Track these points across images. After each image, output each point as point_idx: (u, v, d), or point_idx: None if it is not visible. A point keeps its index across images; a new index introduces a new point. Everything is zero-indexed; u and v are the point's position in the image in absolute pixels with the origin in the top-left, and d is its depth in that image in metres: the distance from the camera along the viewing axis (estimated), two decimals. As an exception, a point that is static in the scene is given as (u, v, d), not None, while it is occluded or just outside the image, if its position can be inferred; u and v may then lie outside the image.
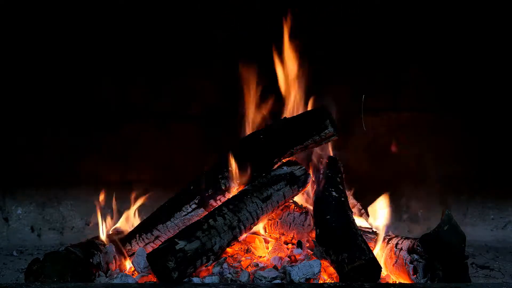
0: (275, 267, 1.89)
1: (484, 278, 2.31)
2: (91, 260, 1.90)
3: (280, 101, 2.37)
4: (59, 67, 2.89)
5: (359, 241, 1.80)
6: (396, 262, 1.89)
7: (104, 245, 2.03)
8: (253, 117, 2.34)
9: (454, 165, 2.98)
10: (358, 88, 2.93)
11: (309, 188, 2.21)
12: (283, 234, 2.18)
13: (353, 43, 2.89)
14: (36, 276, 1.76)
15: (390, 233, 2.10)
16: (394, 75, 2.96)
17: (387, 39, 2.89)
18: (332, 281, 1.85)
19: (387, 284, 1.83)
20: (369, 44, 2.89)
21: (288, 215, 2.16)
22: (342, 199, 2.08)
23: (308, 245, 2.09)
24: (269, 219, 2.17)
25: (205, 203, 2.10)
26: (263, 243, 2.13)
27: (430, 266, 1.75)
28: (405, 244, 1.89)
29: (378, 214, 2.20)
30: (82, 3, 2.82)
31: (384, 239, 2.01)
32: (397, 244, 1.93)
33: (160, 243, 1.95)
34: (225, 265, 1.89)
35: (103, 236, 2.10)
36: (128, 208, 2.30)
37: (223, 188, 2.11)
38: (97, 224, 2.17)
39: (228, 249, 1.99)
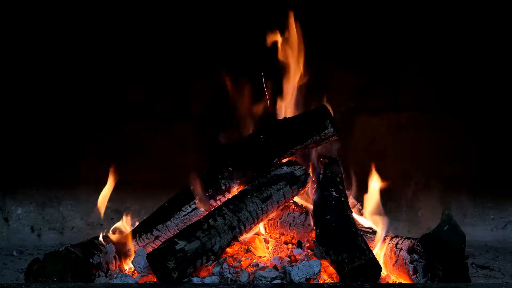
0: (275, 267, 1.89)
1: (484, 278, 2.31)
2: (91, 260, 1.90)
3: (279, 101, 2.37)
4: (59, 67, 2.89)
5: (359, 241, 1.80)
6: (396, 262, 1.89)
7: (104, 245, 2.03)
8: (253, 117, 2.34)
9: (454, 165, 2.98)
10: (358, 88, 2.94)
11: (309, 188, 2.21)
12: (283, 234, 2.18)
13: (353, 43, 2.89)
14: (36, 276, 1.76)
15: (390, 233, 2.10)
16: (394, 75, 2.96)
17: (387, 39, 2.89)
18: (332, 281, 1.85)
19: (387, 284, 1.83)
20: (369, 44, 2.89)
21: (288, 215, 2.16)
22: (342, 199, 2.08)
23: (308, 245, 2.09)
24: (269, 219, 2.17)
25: (205, 203, 2.10)
26: (263, 243, 2.13)
27: (430, 266, 1.75)
28: (405, 244, 1.89)
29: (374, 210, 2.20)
30: (83, 3, 2.82)
31: (384, 239, 2.01)
32: (397, 244, 1.93)
33: (160, 243, 1.95)
34: (225, 265, 1.89)
35: (101, 237, 2.10)
36: (128, 208, 2.29)
37: (223, 188, 2.11)
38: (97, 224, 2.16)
39: (228, 249, 1.99)
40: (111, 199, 2.28)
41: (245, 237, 2.06)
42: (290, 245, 2.13)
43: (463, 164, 2.97)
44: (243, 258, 2.01)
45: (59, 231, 2.98)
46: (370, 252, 1.77)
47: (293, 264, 1.91)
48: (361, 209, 2.36)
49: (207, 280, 1.79)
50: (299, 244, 2.09)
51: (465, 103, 2.94)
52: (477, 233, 2.96)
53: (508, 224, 3.00)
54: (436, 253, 1.75)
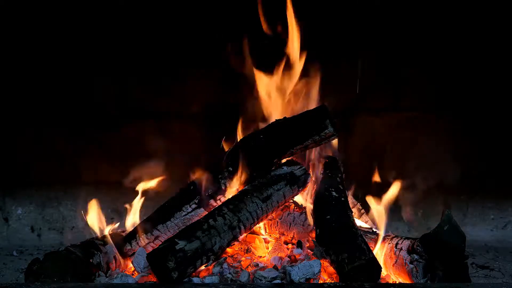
0: (275, 267, 1.89)
1: (484, 278, 2.31)
2: (91, 260, 1.90)
3: (279, 100, 2.37)
4: (59, 67, 2.90)
5: (359, 241, 1.80)
6: (396, 262, 1.89)
7: (104, 245, 2.03)
8: (252, 117, 2.34)
9: (454, 165, 2.97)
10: (358, 87, 2.94)
11: (309, 188, 2.20)
12: (283, 234, 2.18)
13: (353, 43, 2.89)
14: (36, 276, 1.76)
15: (390, 233, 2.10)
16: (394, 75, 2.96)
17: (387, 39, 2.89)
18: (332, 281, 1.85)
19: (387, 284, 1.83)
20: (369, 44, 2.89)
21: (288, 215, 2.16)
22: (342, 199, 2.07)
23: (308, 245, 2.09)
24: (269, 219, 2.17)
25: (205, 203, 2.10)
26: (263, 243, 2.13)
27: (430, 266, 1.75)
28: (405, 244, 1.89)
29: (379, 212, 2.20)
30: (83, 3, 2.82)
31: (384, 239, 2.01)
32: (397, 244, 1.93)
33: (160, 243, 1.94)
34: (225, 265, 1.89)
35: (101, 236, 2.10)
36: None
37: (223, 188, 2.11)
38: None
39: (228, 249, 1.99)
40: (111, 198, 2.28)
41: (244, 236, 2.06)
42: (290, 245, 2.13)
43: (463, 164, 2.97)
44: (243, 258, 2.01)
45: (59, 231, 2.98)
46: (370, 252, 1.77)
47: (293, 264, 1.91)
48: (361, 209, 2.36)
49: (207, 280, 1.79)
50: (299, 244, 2.09)
51: (465, 103, 2.94)
52: (477, 233, 2.96)
53: (508, 224, 3.00)
54: (436, 253, 1.75)
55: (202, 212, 2.08)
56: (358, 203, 2.36)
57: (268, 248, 2.12)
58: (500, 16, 2.85)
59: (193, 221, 1.98)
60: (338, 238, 1.85)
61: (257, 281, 1.79)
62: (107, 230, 2.15)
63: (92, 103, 2.94)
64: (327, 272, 1.90)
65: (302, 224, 2.13)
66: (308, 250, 2.05)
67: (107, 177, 2.94)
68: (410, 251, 1.84)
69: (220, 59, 2.83)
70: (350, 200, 2.28)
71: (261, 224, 2.15)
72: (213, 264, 1.87)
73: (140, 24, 2.86)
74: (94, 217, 2.14)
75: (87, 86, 2.92)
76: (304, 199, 2.27)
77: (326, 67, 2.54)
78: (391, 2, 2.83)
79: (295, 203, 2.21)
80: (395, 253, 1.91)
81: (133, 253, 2.04)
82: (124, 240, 2.10)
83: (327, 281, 1.85)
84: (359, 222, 2.20)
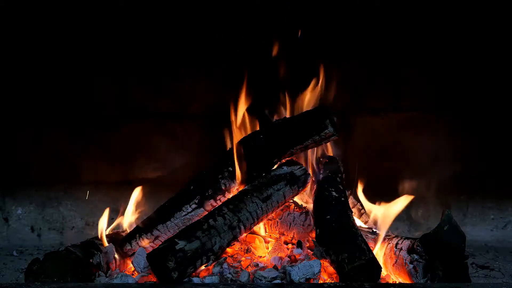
0: (275, 267, 1.89)
1: (484, 278, 2.31)
2: (91, 260, 1.90)
3: (279, 100, 2.37)
4: (59, 67, 2.89)
5: (359, 241, 1.80)
6: (396, 262, 1.89)
7: (104, 245, 2.03)
8: (252, 117, 2.34)
9: (454, 165, 2.97)
10: (358, 87, 2.94)
11: (309, 188, 2.21)
12: (283, 234, 2.18)
13: (353, 44, 2.89)
14: (36, 276, 1.76)
15: (390, 233, 2.10)
16: (394, 75, 2.96)
17: (388, 39, 2.89)
18: (332, 281, 1.85)
19: (387, 284, 1.83)
20: (369, 44, 2.89)
21: (288, 215, 2.16)
22: (342, 199, 2.08)
23: (308, 245, 2.09)
24: (269, 219, 2.17)
25: (205, 203, 2.10)
26: (263, 243, 2.13)
27: (430, 266, 1.75)
28: (405, 244, 1.89)
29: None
30: (84, 3, 2.82)
31: (384, 239, 2.01)
32: (397, 244, 1.93)
33: (160, 243, 1.95)
34: (225, 265, 1.89)
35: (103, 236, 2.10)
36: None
37: (223, 188, 2.11)
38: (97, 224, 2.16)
39: (228, 249, 1.99)
40: (111, 198, 2.28)
41: (244, 236, 2.06)
42: (290, 245, 2.13)
43: (463, 164, 2.97)
44: (243, 258, 2.01)
45: (59, 231, 2.98)
46: (370, 252, 1.77)
47: (293, 264, 1.91)
48: (361, 209, 2.36)
49: (207, 280, 1.79)
50: (299, 244, 2.09)
51: (465, 103, 2.94)
52: (477, 233, 2.96)
53: (508, 224, 3.00)
54: (436, 253, 1.75)
55: (202, 212, 2.08)
56: (358, 203, 2.36)
57: (268, 248, 2.12)
58: (500, 16, 2.85)
59: (193, 221, 1.98)
60: (338, 238, 1.85)
61: (257, 281, 1.79)
62: (108, 230, 2.15)
63: (92, 103, 2.94)
64: (327, 272, 1.90)
65: (302, 224, 2.13)
66: (308, 250, 2.05)
67: (107, 177, 2.94)
68: (410, 251, 1.84)
69: (220, 59, 2.84)
70: (350, 200, 2.29)
71: (261, 224, 2.15)
72: (213, 264, 1.87)
73: (140, 24, 2.86)
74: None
75: (87, 86, 2.92)
76: (304, 199, 2.28)
77: (326, 67, 2.55)
78: (391, 2, 2.83)
79: (295, 203, 2.21)
80: (395, 253, 1.91)
81: (133, 253, 2.04)
82: (124, 240, 2.10)
83: (327, 281, 1.85)
84: (359, 222, 2.21)
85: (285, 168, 2.11)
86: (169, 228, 2.07)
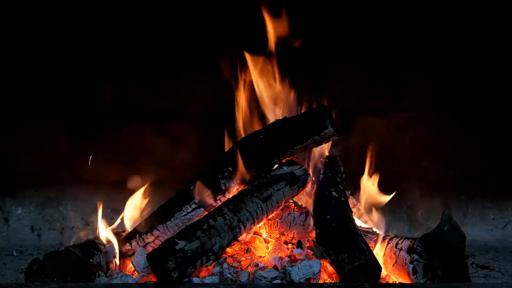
0: (275, 267, 1.89)
1: (484, 278, 2.31)
2: (91, 260, 1.90)
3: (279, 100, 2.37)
4: (59, 67, 2.90)
5: (359, 241, 1.80)
6: (396, 262, 1.89)
7: (104, 245, 2.03)
8: (252, 117, 2.34)
9: (454, 165, 2.98)
10: (358, 87, 2.94)
11: (309, 188, 2.20)
12: (283, 234, 2.18)
13: (353, 44, 2.89)
14: (36, 276, 1.76)
15: (390, 233, 2.10)
16: (394, 75, 2.96)
17: (387, 39, 2.89)
18: (332, 281, 1.85)
19: (387, 284, 1.83)
20: (370, 44, 2.89)
21: (288, 215, 2.16)
22: (342, 199, 2.08)
23: (308, 245, 2.09)
24: (269, 219, 2.17)
25: (205, 203, 2.10)
26: (263, 243, 2.13)
27: (430, 266, 1.75)
28: (405, 244, 1.89)
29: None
30: (84, 3, 2.82)
31: (384, 239, 2.01)
32: (397, 244, 1.93)
33: (160, 243, 1.95)
34: (225, 265, 1.89)
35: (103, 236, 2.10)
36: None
37: (223, 188, 2.11)
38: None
39: (228, 249, 1.99)
40: (111, 199, 2.28)
41: (244, 236, 2.06)
42: (290, 245, 2.13)
43: (463, 164, 2.97)
44: (243, 258, 2.01)
45: (59, 231, 2.98)
46: (370, 252, 1.77)
47: (293, 264, 1.91)
48: (361, 209, 2.36)
49: (207, 280, 1.79)
50: (299, 244, 2.09)
51: (465, 103, 2.94)
52: (477, 233, 2.96)
53: (508, 224, 3.00)
54: (436, 253, 1.75)
55: (202, 212, 2.08)
56: (358, 203, 2.36)
57: (268, 248, 2.12)
58: (500, 16, 2.85)
59: (193, 221, 1.98)
60: (338, 238, 1.85)
61: (257, 281, 1.79)
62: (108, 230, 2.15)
63: (92, 103, 2.94)
64: (327, 272, 1.90)
65: (302, 224, 2.13)
66: (308, 250, 2.05)
67: (107, 177, 2.94)
68: (410, 251, 1.84)
69: (220, 59, 2.83)
70: (350, 200, 2.28)
71: (261, 224, 2.15)
72: (213, 264, 1.87)
73: (140, 24, 2.86)
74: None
75: (87, 86, 2.92)
76: (304, 199, 2.27)
77: (326, 66, 2.55)
78: (391, 2, 2.83)
79: (295, 203, 2.21)
80: (395, 253, 1.91)
81: (133, 253, 2.04)
82: (124, 240, 2.10)
83: (327, 281, 1.85)
84: (359, 222, 2.20)
85: (285, 168, 2.11)
86: (169, 228, 2.07)
